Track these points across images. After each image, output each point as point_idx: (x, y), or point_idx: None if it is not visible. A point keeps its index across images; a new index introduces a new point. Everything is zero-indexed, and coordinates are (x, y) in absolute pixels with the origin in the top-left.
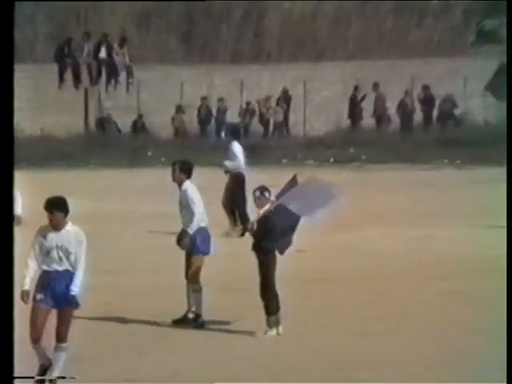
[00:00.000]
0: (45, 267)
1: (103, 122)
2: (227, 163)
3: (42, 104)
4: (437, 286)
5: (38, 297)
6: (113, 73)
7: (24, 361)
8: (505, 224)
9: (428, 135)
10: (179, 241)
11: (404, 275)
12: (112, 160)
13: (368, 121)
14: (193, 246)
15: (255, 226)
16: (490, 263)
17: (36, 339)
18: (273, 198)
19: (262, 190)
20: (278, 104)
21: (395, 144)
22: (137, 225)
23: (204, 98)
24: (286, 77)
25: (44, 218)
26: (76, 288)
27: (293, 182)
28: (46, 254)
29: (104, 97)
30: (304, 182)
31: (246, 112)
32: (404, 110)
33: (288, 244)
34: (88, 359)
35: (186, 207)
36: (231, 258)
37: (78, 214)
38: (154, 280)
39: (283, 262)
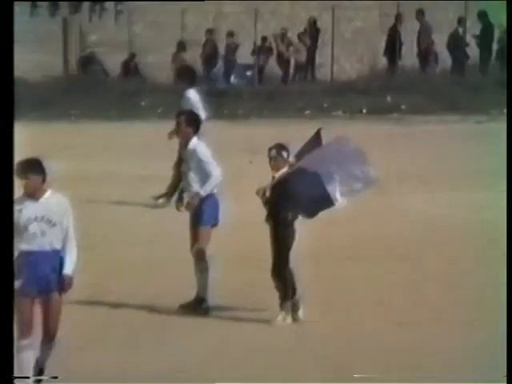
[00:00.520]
0: (24, 246)
1: (86, 62)
2: None
3: None
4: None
5: (17, 285)
6: None
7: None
8: None
9: (486, 78)
10: (180, 203)
11: (458, 249)
12: (97, 111)
13: (410, 60)
14: (200, 215)
15: (268, 193)
16: None
17: (26, 335)
18: (292, 158)
19: (279, 148)
20: (300, 40)
21: (444, 89)
22: (127, 190)
23: (210, 32)
24: (311, 4)
25: None
26: (69, 269)
27: (316, 139)
28: (23, 230)
29: (87, 29)
30: (333, 143)
31: (261, 50)
32: (456, 44)
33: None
34: (71, 353)
35: (195, 170)
36: (244, 229)
37: (56, 177)
38: (149, 255)
39: (306, 235)
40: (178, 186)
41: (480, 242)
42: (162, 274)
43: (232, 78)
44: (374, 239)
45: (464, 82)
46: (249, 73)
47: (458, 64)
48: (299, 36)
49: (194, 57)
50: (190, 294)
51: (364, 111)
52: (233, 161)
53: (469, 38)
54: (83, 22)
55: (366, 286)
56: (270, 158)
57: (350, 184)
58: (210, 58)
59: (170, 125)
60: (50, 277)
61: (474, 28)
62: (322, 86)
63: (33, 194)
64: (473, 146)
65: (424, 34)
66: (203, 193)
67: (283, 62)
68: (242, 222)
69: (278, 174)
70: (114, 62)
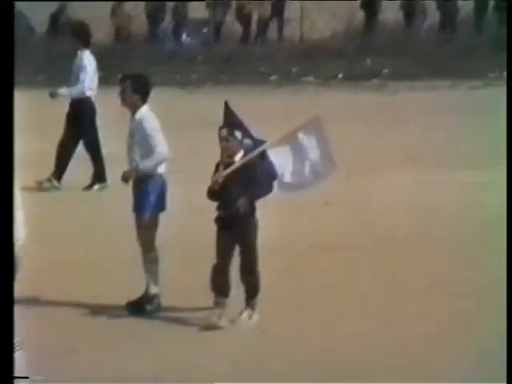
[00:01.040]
0: None
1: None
2: (64, 90)
3: None
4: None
5: None
6: None
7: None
8: None
9: (481, 35)
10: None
11: (453, 239)
12: (22, 75)
13: (392, 14)
14: (143, 199)
15: (220, 181)
16: None
17: None
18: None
19: (232, 126)
20: None
21: (432, 50)
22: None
23: None
24: None
25: None
26: None
27: (227, 111)
28: None
29: None
30: (301, 128)
31: (217, 3)
32: None
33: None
34: None
35: (139, 143)
36: (196, 216)
37: None
38: (88, 248)
39: (275, 222)
40: (67, 164)
41: (475, 228)
42: (104, 269)
43: (183, 37)
44: (351, 226)
45: (455, 41)
46: (204, 30)
47: (448, 18)
48: None
49: (137, 9)
50: (139, 291)
51: (339, 76)
52: (185, 135)
53: None
54: None
55: (343, 279)
56: (221, 139)
57: (302, 178)
58: (155, 11)
59: (110, 92)
60: None
61: None
62: (289, 47)
63: None
64: (466, 116)
65: None
66: (141, 167)
67: (244, 16)
68: (194, 208)
69: (237, 158)
70: (40, 17)
